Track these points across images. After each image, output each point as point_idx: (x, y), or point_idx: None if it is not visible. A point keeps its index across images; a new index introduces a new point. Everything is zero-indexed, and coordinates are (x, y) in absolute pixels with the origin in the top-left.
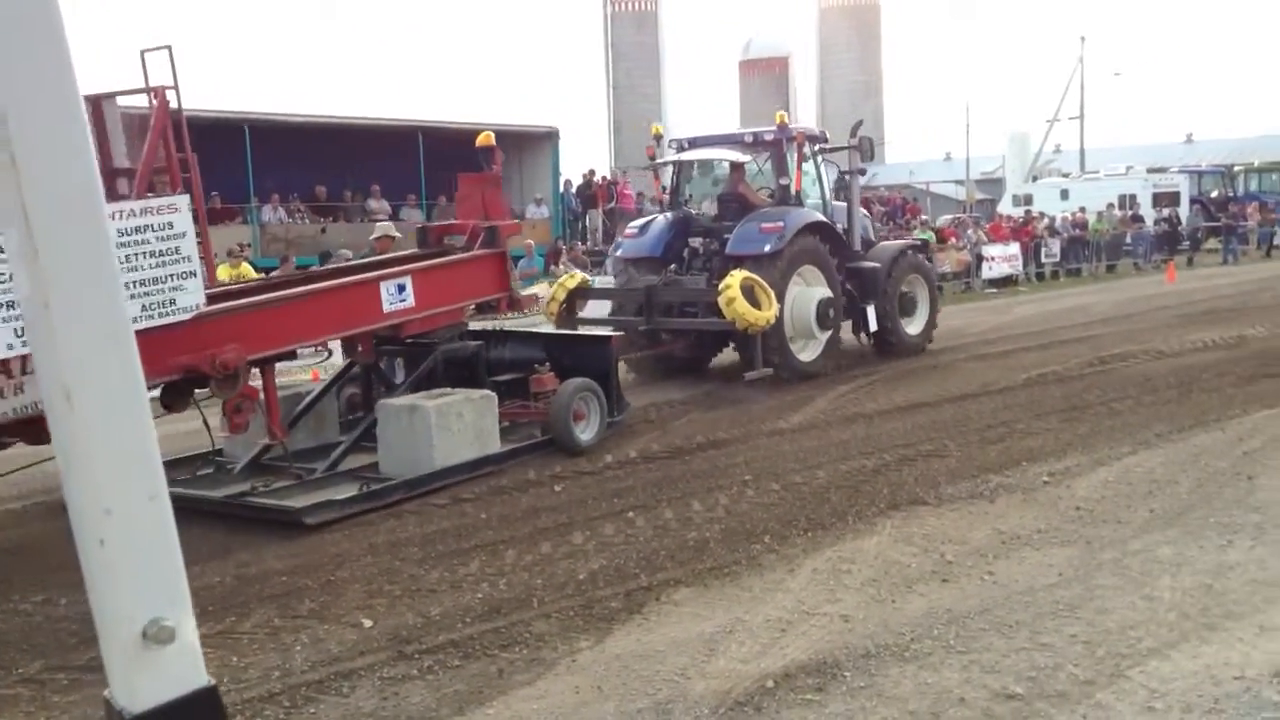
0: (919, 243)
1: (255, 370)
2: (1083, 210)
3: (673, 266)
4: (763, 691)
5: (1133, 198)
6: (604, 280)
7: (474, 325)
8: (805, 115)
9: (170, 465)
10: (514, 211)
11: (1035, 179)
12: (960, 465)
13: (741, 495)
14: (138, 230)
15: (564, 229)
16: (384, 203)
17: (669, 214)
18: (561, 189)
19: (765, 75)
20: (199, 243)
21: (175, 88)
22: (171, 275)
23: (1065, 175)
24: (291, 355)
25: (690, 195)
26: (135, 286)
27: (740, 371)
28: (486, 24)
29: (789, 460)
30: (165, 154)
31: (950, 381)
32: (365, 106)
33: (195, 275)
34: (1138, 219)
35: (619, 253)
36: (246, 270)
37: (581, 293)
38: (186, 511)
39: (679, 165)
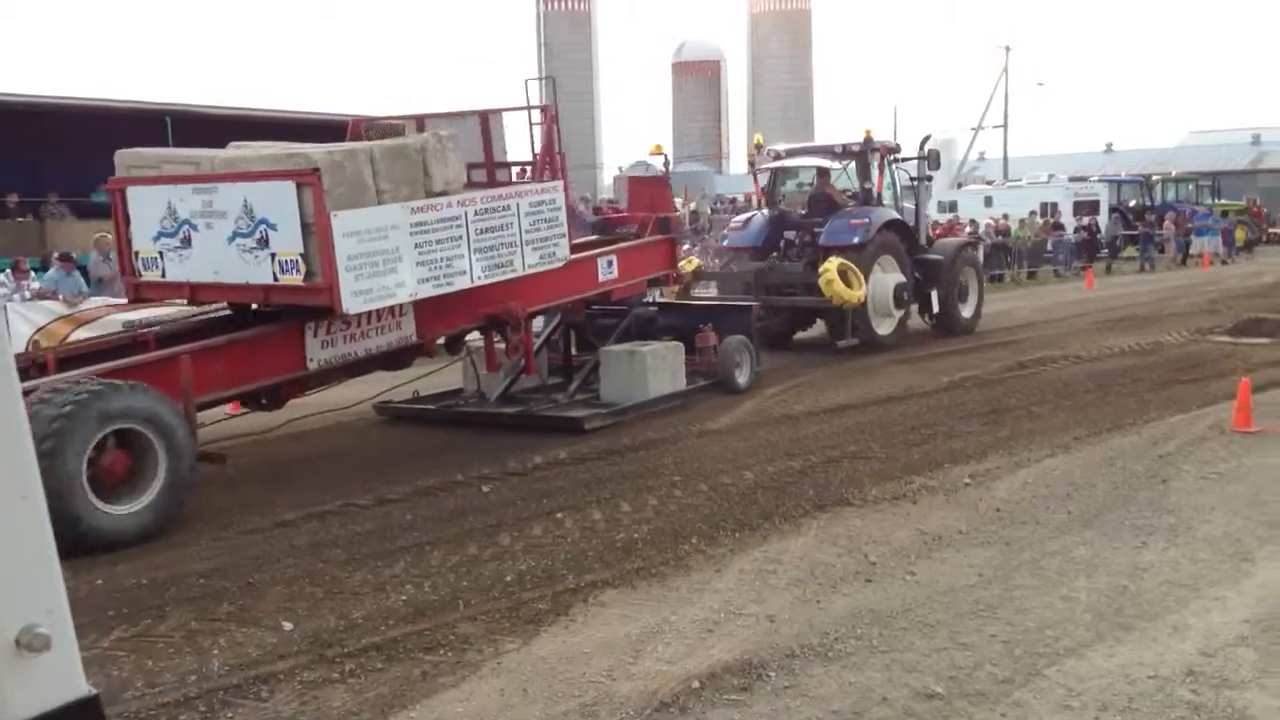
0: (973, 240)
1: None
2: (1006, 217)
3: (774, 255)
4: (688, 692)
5: (1054, 206)
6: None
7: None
8: (737, 119)
9: (439, 397)
10: None
11: (960, 186)
12: (884, 467)
13: (670, 496)
14: (537, 205)
15: None
16: None
17: (766, 210)
18: None
19: (697, 78)
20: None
21: (555, 108)
22: (555, 235)
23: (989, 183)
24: (576, 309)
25: (783, 196)
26: (538, 243)
27: (829, 344)
28: (419, 19)
29: (717, 461)
30: (544, 152)
31: (875, 384)
32: (295, 99)
33: (565, 236)
34: (1059, 227)
35: (725, 243)
36: None
37: (698, 275)
38: (475, 425)
39: (775, 170)
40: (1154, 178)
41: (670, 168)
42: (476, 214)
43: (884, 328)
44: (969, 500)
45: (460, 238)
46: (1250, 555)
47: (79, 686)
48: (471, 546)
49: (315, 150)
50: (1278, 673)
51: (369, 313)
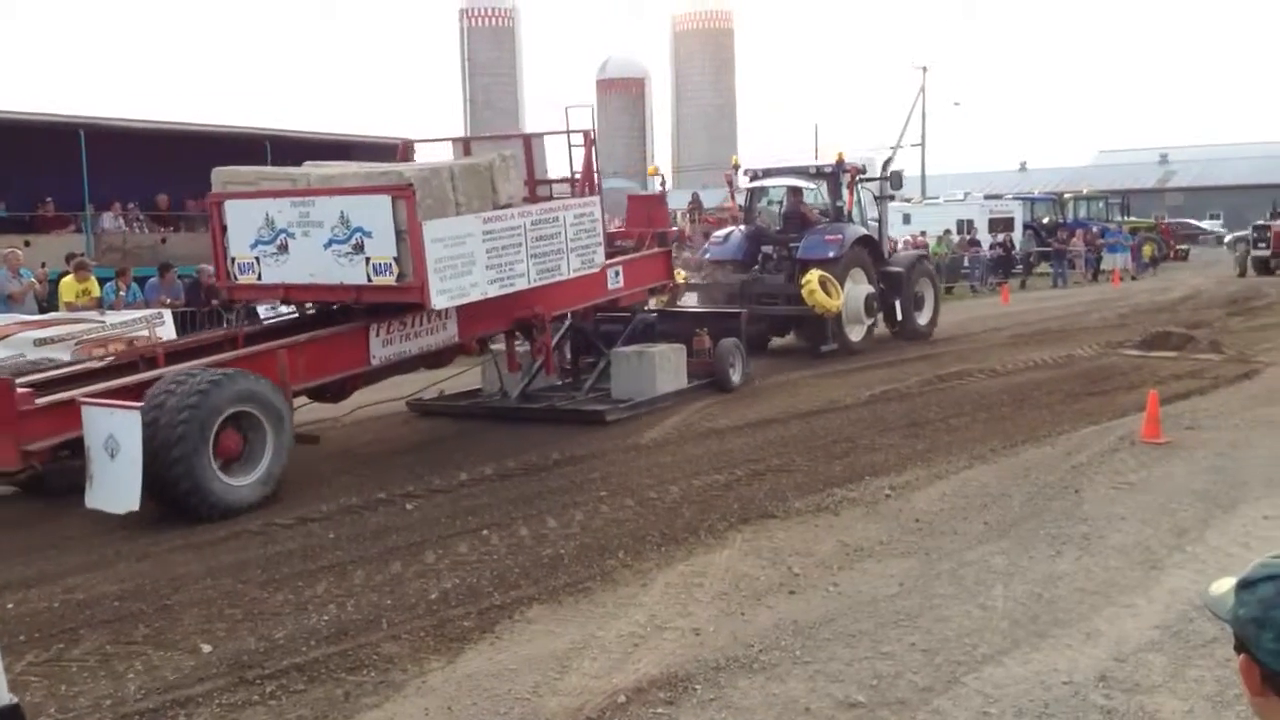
0: (926, 253)
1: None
2: (923, 234)
3: (755, 268)
4: (614, 707)
5: (970, 223)
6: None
7: None
8: (661, 136)
9: (464, 395)
10: None
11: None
12: (807, 480)
13: (596, 511)
14: (579, 217)
15: None
16: None
17: (744, 227)
18: None
19: (622, 95)
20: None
21: (592, 133)
22: (593, 243)
23: (907, 200)
24: (564, 317)
25: (761, 213)
26: (580, 250)
27: (804, 349)
28: (339, 33)
29: (644, 476)
30: (584, 172)
31: (798, 398)
32: (213, 113)
33: (601, 245)
34: (975, 243)
35: (707, 256)
36: (93, 286)
37: (684, 286)
38: (501, 419)
39: (752, 189)
40: (1066, 196)
41: (666, 187)
42: (533, 224)
43: (856, 334)
44: (889, 511)
45: (520, 245)
46: (1159, 563)
47: (1, 695)
48: (395, 565)
49: (407, 169)
50: (1187, 677)
51: (420, 316)
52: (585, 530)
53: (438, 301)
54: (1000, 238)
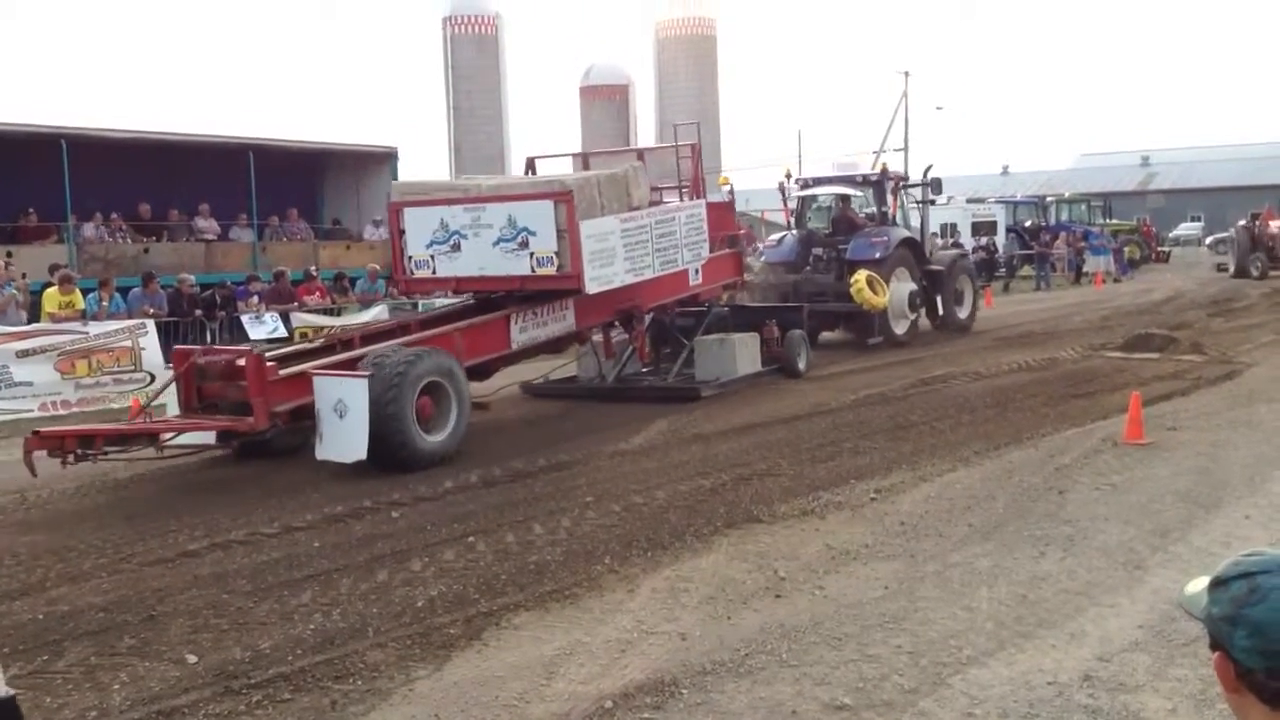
0: (966, 252)
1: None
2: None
3: (806, 268)
4: (601, 712)
5: (953, 226)
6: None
7: None
8: (645, 142)
9: (568, 381)
10: (351, 233)
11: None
12: (793, 484)
13: (583, 517)
14: (690, 218)
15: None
16: (212, 222)
17: (795, 231)
18: None
19: (606, 101)
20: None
21: (698, 146)
22: (700, 240)
23: None
24: (666, 309)
25: (810, 218)
26: (690, 246)
27: (852, 342)
28: (321, 42)
29: (630, 481)
30: (694, 180)
31: (783, 403)
32: (195, 123)
33: (705, 241)
34: (958, 246)
35: (762, 259)
36: (77, 298)
37: (742, 285)
38: (601, 397)
39: (802, 197)
40: (1048, 199)
41: (734, 194)
42: (657, 223)
43: (900, 328)
44: (874, 515)
45: (647, 241)
46: (1143, 563)
47: None
48: (381, 573)
49: (568, 178)
50: (1170, 676)
51: (547, 306)
52: (572, 536)
53: (590, 287)
54: (983, 241)
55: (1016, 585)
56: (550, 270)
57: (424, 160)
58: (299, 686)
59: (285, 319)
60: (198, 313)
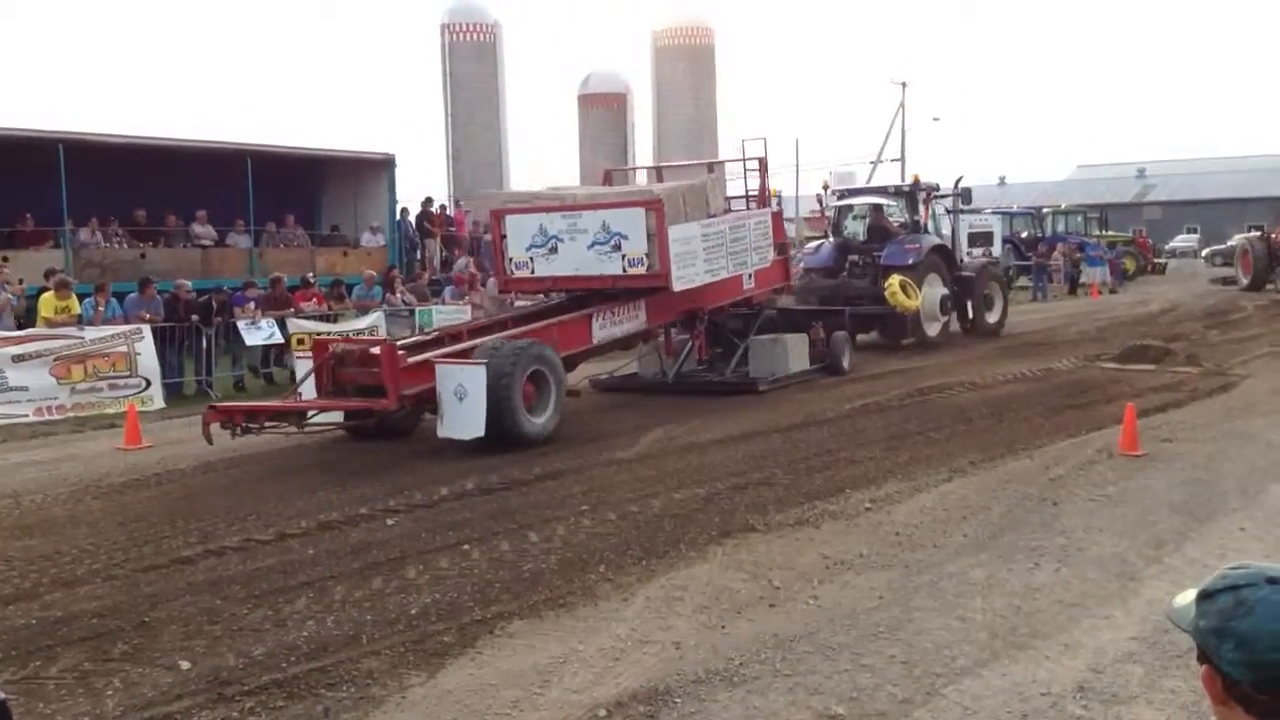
0: (996, 259)
1: None
2: None
3: (843, 274)
4: None
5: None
6: None
7: None
8: (643, 151)
9: (632, 377)
10: (348, 239)
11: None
12: (788, 493)
13: (578, 525)
14: (758, 224)
15: (400, 258)
16: (209, 228)
17: (832, 239)
18: (398, 217)
19: (604, 110)
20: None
21: (765, 159)
22: (767, 244)
23: None
24: (721, 311)
25: (847, 226)
26: (759, 249)
27: (884, 344)
28: (321, 49)
29: (625, 490)
30: (760, 191)
31: (779, 412)
32: (193, 128)
33: (771, 245)
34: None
35: (801, 265)
36: (73, 304)
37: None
38: (664, 391)
39: (839, 207)
40: (1044, 210)
41: (781, 204)
42: (730, 229)
43: (932, 330)
44: (869, 524)
45: (722, 245)
46: (1137, 574)
47: None
48: (375, 580)
49: (657, 188)
50: (1164, 688)
51: (623, 306)
52: (566, 545)
53: (677, 285)
54: (980, 252)
55: (1011, 596)
56: (641, 270)
57: (422, 167)
58: (292, 694)
59: (282, 325)
60: (194, 318)
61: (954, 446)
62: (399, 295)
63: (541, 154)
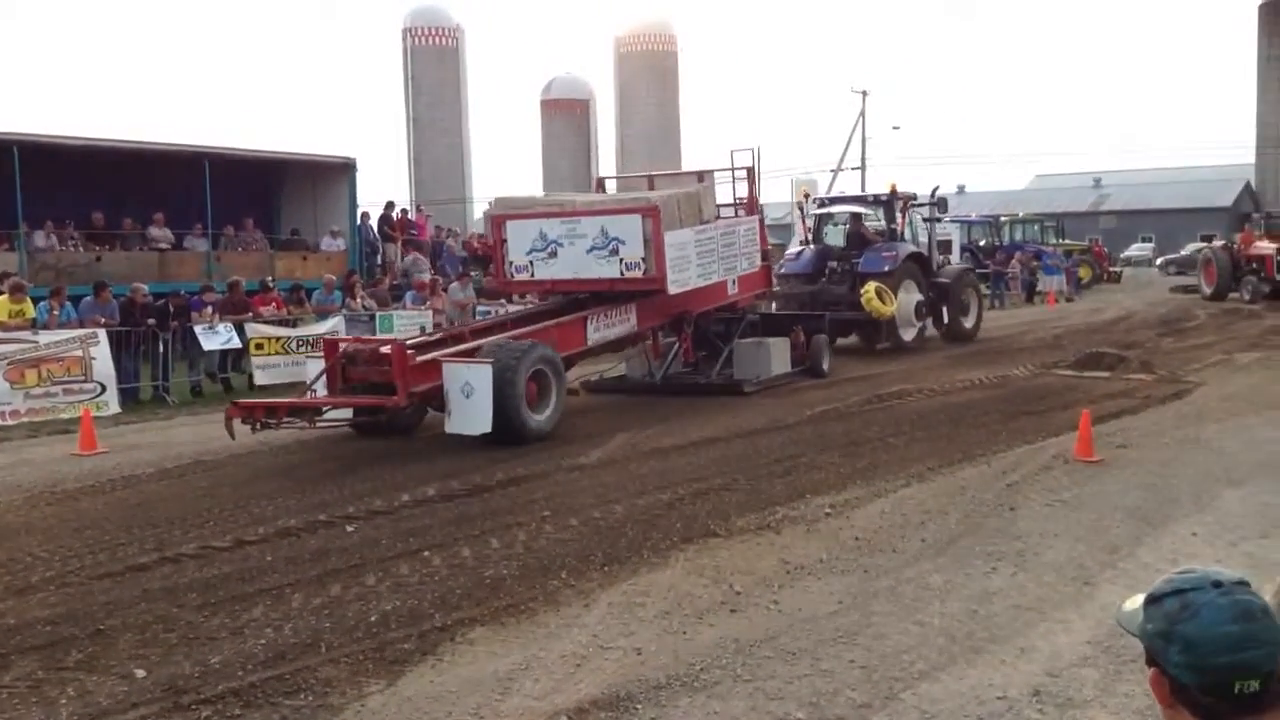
0: (971, 267)
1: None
2: None
3: (822, 280)
4: None
5: None
6: None
7: None
8: (606, 156)
9: (620, 379)
10: (308, 244)
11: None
12: (749, 498)
13: (540, 531)
14: (747, 231)
15: (360, 262)
16: (166, 231)
17: (813, 246)
18: (359, 221)
19: (566, 115)
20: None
21: (754, 169)
22: (755, 250)
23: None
24: (706, 315)
25: (827, 233)
26: (747, 254)
27: (861, 348)
28: (280, 51)
29: (587, 495)
30: (749, 199)
31: (741, 417)
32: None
33: (759, 251)
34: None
35: (783, 271)
36: (28, 307)
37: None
38: (653, 392)
39: (819, 215)
40: (1002, 219)
41: (765, 213)
42: (722, 235)
43: (908, 335)
44: (830, 529)
45: (714, 250)
46: (1092, 579)
47: None
48: (335, 587)
49: (652, 194)
50: (1118, 691)
51: (616, 309)
52: (528, 550)
53: (672, 288)
54: (938, 260)
55: (968, 600)
56: (637, 274)
57: (383, 172)
58: (249, 702)
59: (240, 330)
60: (150, 322)
61: (913, 452)
62: (359, 300)
63: (505, 160)
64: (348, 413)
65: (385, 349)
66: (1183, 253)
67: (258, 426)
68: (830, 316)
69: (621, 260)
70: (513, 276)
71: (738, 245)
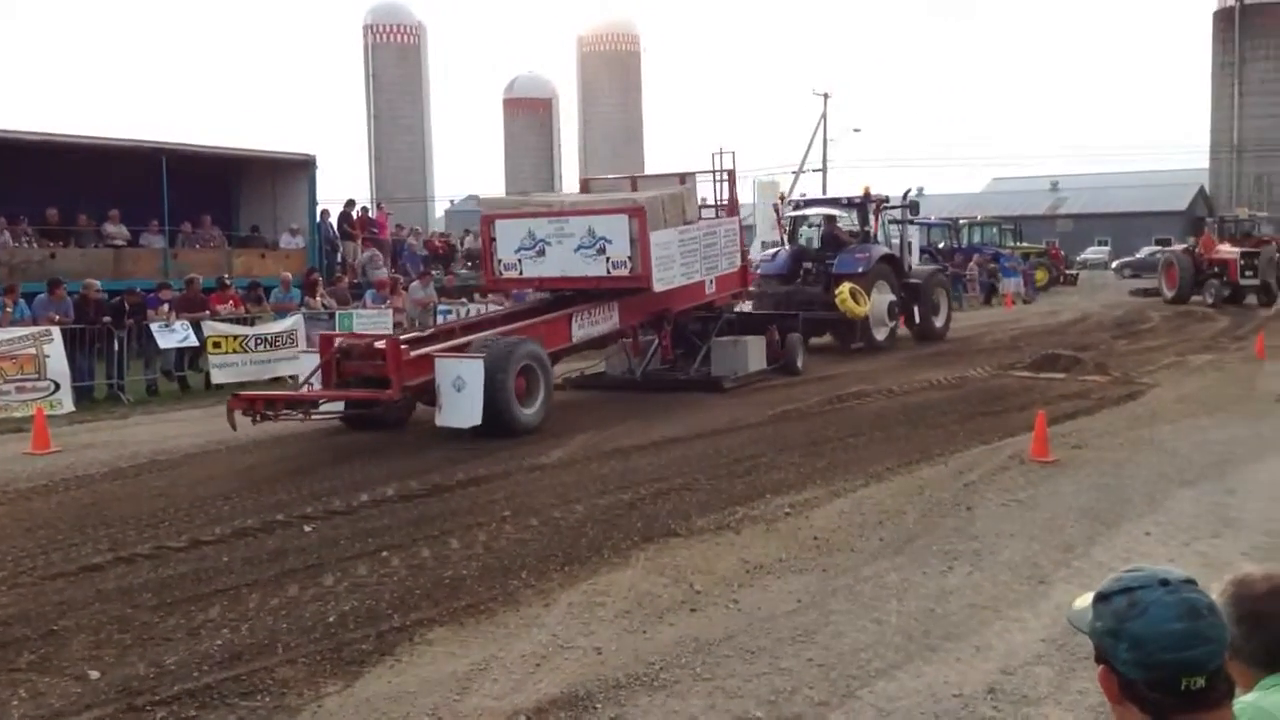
0: (943, 267)
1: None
2: None
3: (797, 280)
4: None
5: None
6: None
7: None
8: (569, 156)
9: (600, 375)
10: (267, 241)
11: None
12: (710, 498)
13: (500, 531)
14: (728, 231)
15: (320, 260)
16: (122, 228)
17: (788, 246)
18: (318, 219)
19: (529, 114)
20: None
21: (734, 171)
22: (736, 250)
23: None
24: (685, 314)
25: (802, 235)
26: (728, 254)
27: (836, 347)
28: (240, 47)
29: (548, 495)
30: (730, 201)
31: (702, 417)
32: (107, 125)
33: (739, 251)
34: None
35: (759, 271)
36: None
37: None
38: (633, 388)
39: (794, 217)
40: (961, 221)
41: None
42: (704, 235)
43: (881, 334)
44: (789, 529)
45: (697, 250)
46: (1047, 578)
47: None
48: (292, 588)
49: (638, 195)
50: (1071, 689)
51: (599, 307)
52: (488, 551)
53: (657, 286)
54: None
55: (925, 599)
56: (624, 272)
57: (344, 169)
58: (205, 704)
59: (197, 328)
60: (105, 320)
61: (871, 452)
62: (319, 299)
63: (468, 157)
64: (340, 406)
65: (380, 344)
66: (1138, 255)
67: (258, 418)
68: (804, 316)
69: (608, 259)
70: (502, 274)
71: (719, 245)
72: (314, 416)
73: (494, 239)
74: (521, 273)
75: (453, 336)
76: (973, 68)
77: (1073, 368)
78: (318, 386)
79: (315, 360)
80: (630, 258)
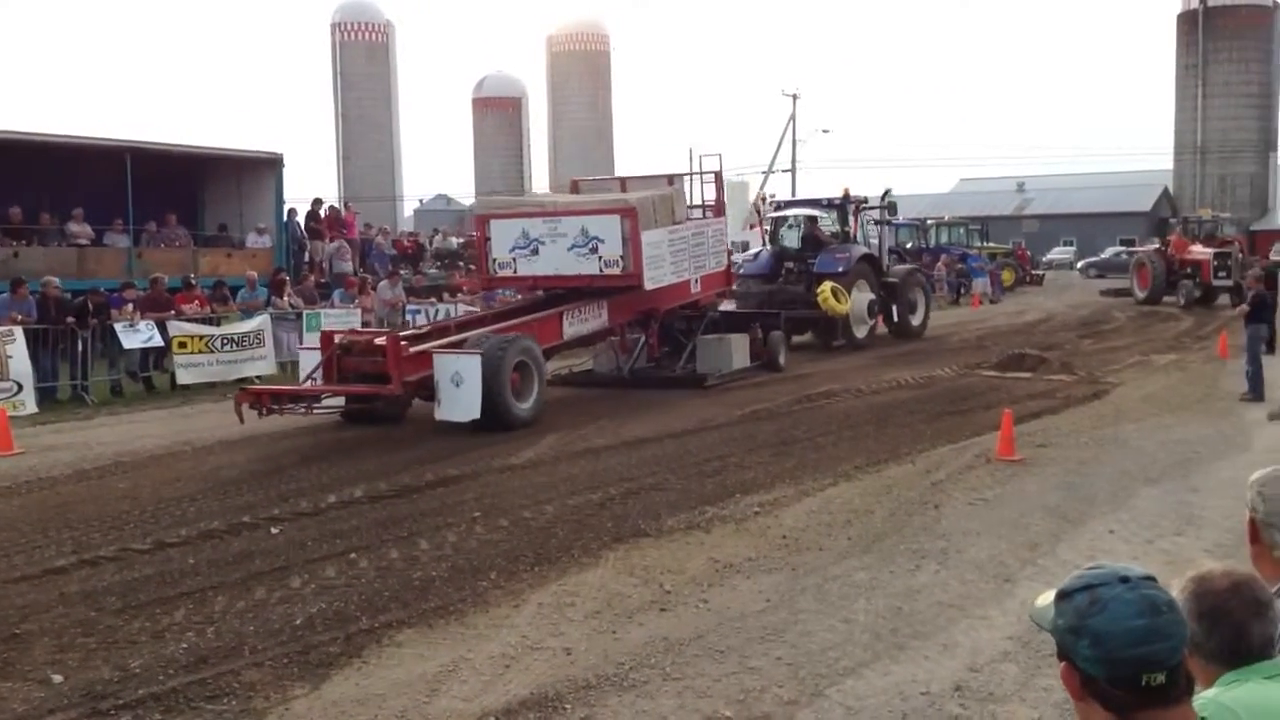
0: (920, 266)
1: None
2: None
3: (779, 280)
4: None
5: None
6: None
7: None
8: (538, 156)
9: (588, 373)
10: (233, 240)
11: (752, 226)
12: (680, 498)
13: (470, 532)
14: (715, 232)
15: (287, 259)
16: (86, 226)
17: (770, 247)
18: (286, 218)
19: (498, 114)
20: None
21: (720, 173)
22: (722, 250)
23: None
24: (671, 312)
25: (782, 236)
26: (714, 254)
27: (817, 345)
28: (207, 44)
29: (518, 496)
30: (717, 202)
31: (672, 417)
32: (71, 123)
33: (725, 252)
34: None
35: (741, 271)
36: None
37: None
38: (621, 384)
39: (775, 218)
40: (928, 221)
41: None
42: (692, 235)
43: (861, 332)
44: (758, 528)
45: (685, 250)
46: (1012, 576)
47: None
48: (258, 590)
49: (630, 196)
50: (1037, 686)
51: (589, 306)
52: (458, 552)
53: (648, 285)
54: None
55: (892, 597)
56: (616, 271)
57: (312, 168)
58: (170, 707)
59: (162, 328)
60: (69, 320)
61: (840, 452)
62: (287, 299)
63: (437, 156)
64: (341, 401)
65: (380, 340)
66: (1103, 256)
67: (264, 412)
68: (787, 315)
69: (600, 258)
70: (496, 273)
71: (706, 245)
72: (316, 411)
73: (489, 238)
74: (516, 271)
75: (448, 334)
76: (941, 69)
77: (1038, 367)
78: (319, 382)
79: (316, 357)
80: (622, 257)
